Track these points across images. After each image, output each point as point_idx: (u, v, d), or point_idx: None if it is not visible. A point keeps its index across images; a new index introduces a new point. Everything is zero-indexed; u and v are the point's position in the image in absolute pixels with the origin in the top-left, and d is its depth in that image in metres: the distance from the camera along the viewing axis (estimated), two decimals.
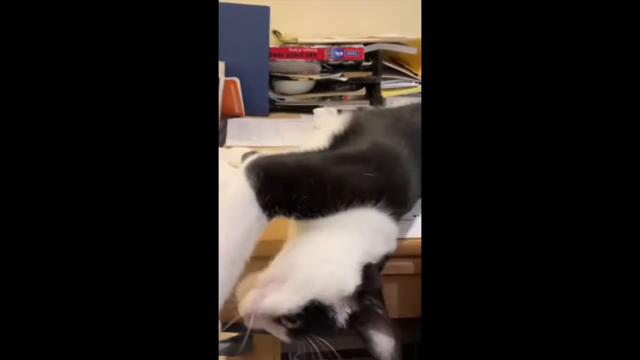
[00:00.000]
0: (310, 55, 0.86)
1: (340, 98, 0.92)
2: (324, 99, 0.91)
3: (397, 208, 0.41)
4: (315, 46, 0.86)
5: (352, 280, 0.35)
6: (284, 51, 0.86)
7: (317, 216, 0.36)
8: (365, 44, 0.88)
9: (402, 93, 0.89)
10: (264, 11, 0.82)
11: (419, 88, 0.89)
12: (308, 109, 0.88)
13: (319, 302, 0.34)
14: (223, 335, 0.44)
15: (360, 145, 0.42)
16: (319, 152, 0.42)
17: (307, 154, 0.41)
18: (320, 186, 0.35)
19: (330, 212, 0.36)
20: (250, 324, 0.34)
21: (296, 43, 0.88)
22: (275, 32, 0.92)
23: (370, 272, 0.36)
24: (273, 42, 0.89)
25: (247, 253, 0.35)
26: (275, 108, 0.89)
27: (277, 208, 0.35)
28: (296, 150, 0.42)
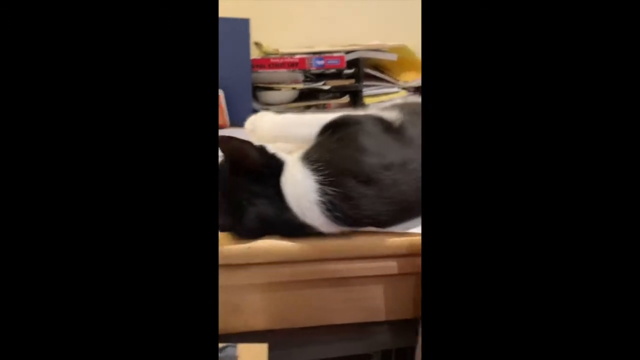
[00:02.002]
0: (292, 65, 0.87)
1: (324, 106, 0.92)
2: (308, 107, 0.92)
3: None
4: (297, 56, 0.88)
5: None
6: (266, 62, 0.87)
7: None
8: (347, 52, 0.89)
9: (385, 99, 0.90)
10: (244, 23, 0.83)
11: (401, 93, 0.91)
12: None
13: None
14: None
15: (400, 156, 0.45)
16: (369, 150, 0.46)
17: (369, 125, 0.48)
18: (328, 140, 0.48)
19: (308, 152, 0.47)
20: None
21: (278, 54, 0.89)
22: (256, 43, 0.93)
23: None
24: (255, 54, 0.90)
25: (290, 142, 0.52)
26: None
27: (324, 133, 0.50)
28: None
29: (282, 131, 0.52)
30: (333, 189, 0.42)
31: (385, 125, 0.49)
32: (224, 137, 0.42)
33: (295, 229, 0.43)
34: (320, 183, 0.42)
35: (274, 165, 0.44)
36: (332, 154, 0.44)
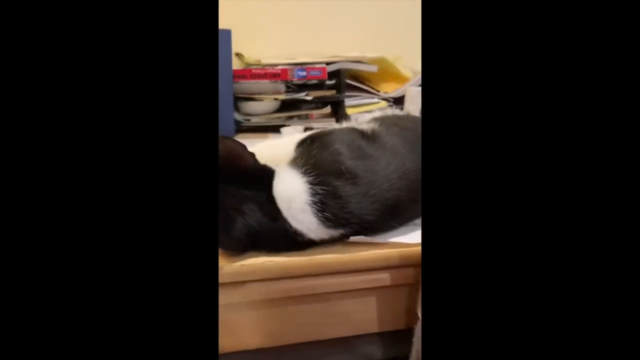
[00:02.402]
0: (274, 76, 0.87)
1: (307, 117, 0.93)
2: (290, 118, 0.92)
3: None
4: (279, 67, 0.88)
5: None
6: (248, 73, 0.87)
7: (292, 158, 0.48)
8: (328, 63, 0.90)
9: (366, 109, 0.92)
10: (226, 34, 0.82)
11: (382, 104, 0.92)
12: (274, 129, 0.89)
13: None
14: None
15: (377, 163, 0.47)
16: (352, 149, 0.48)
17: (344, 134, 0.50)
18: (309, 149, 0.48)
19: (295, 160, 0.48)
20: None
21: (259, 65, 0.89)
22: (237, 54, 0.93)
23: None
24: (236, 65, 0.90)
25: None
26: (241, 129, 0.89)
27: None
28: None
29: (266, 154, 0.52)
30: (322, 187, 0.43)
31: (359, 134, 0.51)
32: (219, 136, 0.41)
33: (286, 237, 0.43)
34: (310, 183, 0.43)
35: (265, 171, 0.44)
36: (314, 158, 0.45)
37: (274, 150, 0.53)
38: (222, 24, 0.83)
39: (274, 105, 0.91)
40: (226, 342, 0.45)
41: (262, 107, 0.90)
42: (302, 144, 0.49)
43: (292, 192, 0.43)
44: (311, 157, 0.45)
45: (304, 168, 0.44)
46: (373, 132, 0.51)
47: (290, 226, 0.43)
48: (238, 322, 0.45)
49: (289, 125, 0.89)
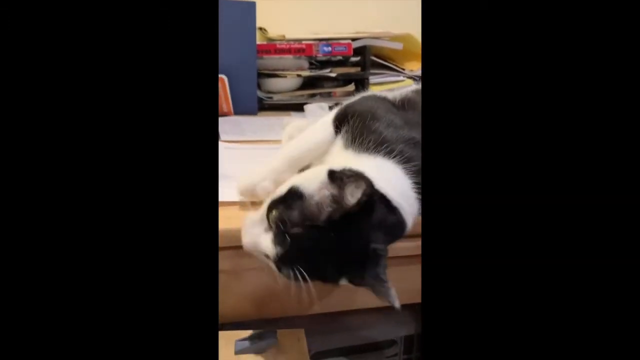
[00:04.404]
0: (298, 51, 0.85)
1: (329, 94, 0.91)
2: (312, 95, 0.90)
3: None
4: (304, 42, 0.85)
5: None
6: (272, 47, 0.85)
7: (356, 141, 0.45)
8: (352, 39, 0.88)
9: (391, 87, 0.90)
10: (250, 7, 0.80)
11: (407, 82, 0.90)
12: (297, 107, 0.87)
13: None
14: (245, 334, 0.41)
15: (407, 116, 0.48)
16: (386, 106, 0.49)
17: (378, 102, 0.50)
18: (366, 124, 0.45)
19: (363, 144, 0.44)
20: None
21: (283, 39, 0.87)
22: (260, 28, 0.90)
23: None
24: (259, 39, 0.87)
25: (307, 161, 0.48)
26: (264, 107, 0.87)
27: (339, 128, 0.48)
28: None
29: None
30: (412, 164, 0.41)
31: (390, 103, 0.51)
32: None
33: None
34: (398, 162, 0.41)
35: (379, 195, 0.40)
36: (377, 134, 0.43)
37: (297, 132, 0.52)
38: None
39: (296, 82, 0.89)
40: (272, 307, 0.44)
41: (284, 84, 0.88)
42: (342, 121, 0.47)
43: (398, 186, 0.40)
44: (374, 133, 0.43)
45: (384, 149, 0.42)
46: (407, 99, 0.51)
47: (404, 221, 0.40)
48: (282, 289, 0.44)
49: (311, 103, 0.87)
